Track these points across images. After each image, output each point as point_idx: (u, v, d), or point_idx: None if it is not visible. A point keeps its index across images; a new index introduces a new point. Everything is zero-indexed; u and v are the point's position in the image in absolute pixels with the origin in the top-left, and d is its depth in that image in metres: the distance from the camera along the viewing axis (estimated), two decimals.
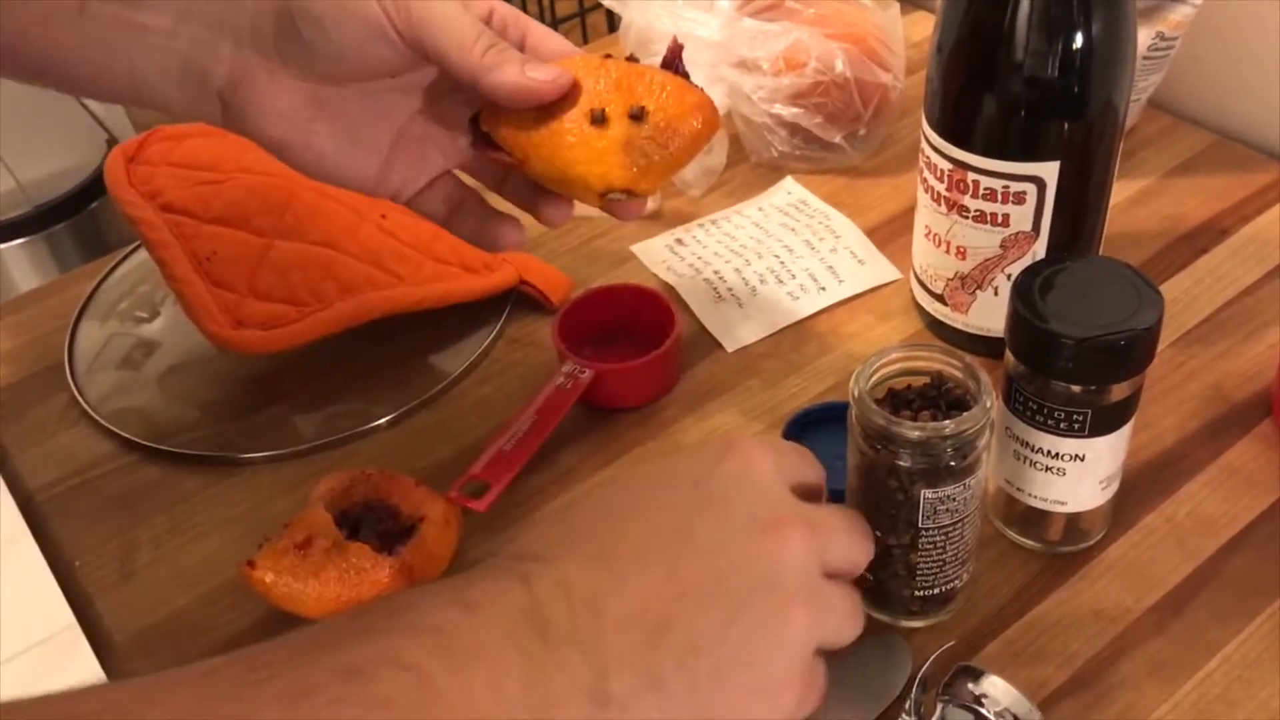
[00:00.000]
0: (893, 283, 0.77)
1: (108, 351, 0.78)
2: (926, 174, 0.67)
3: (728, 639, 0.42)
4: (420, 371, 0.74)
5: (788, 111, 0.83)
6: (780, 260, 0.79)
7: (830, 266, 0.78)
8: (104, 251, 0.85)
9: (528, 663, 0.39)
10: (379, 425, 0.70)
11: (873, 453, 0.52)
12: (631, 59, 0.55)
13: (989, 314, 0.68)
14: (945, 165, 0.65)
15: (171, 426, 0.71)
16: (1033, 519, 0.60)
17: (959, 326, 0.70)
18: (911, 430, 0.51)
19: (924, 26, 0.99)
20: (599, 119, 0.52)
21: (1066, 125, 0.62)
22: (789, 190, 0.85)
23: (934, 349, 0.55)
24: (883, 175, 0.86)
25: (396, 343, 0.75)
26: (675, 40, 0.56)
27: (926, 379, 0.55)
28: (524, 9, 1.60)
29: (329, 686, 0.37)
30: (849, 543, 0.47)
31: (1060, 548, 0.61)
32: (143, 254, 0.84)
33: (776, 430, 0.67)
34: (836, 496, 0.63)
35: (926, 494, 0.52)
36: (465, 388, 0.73)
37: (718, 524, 0.44)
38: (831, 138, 0.84)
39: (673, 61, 0.55)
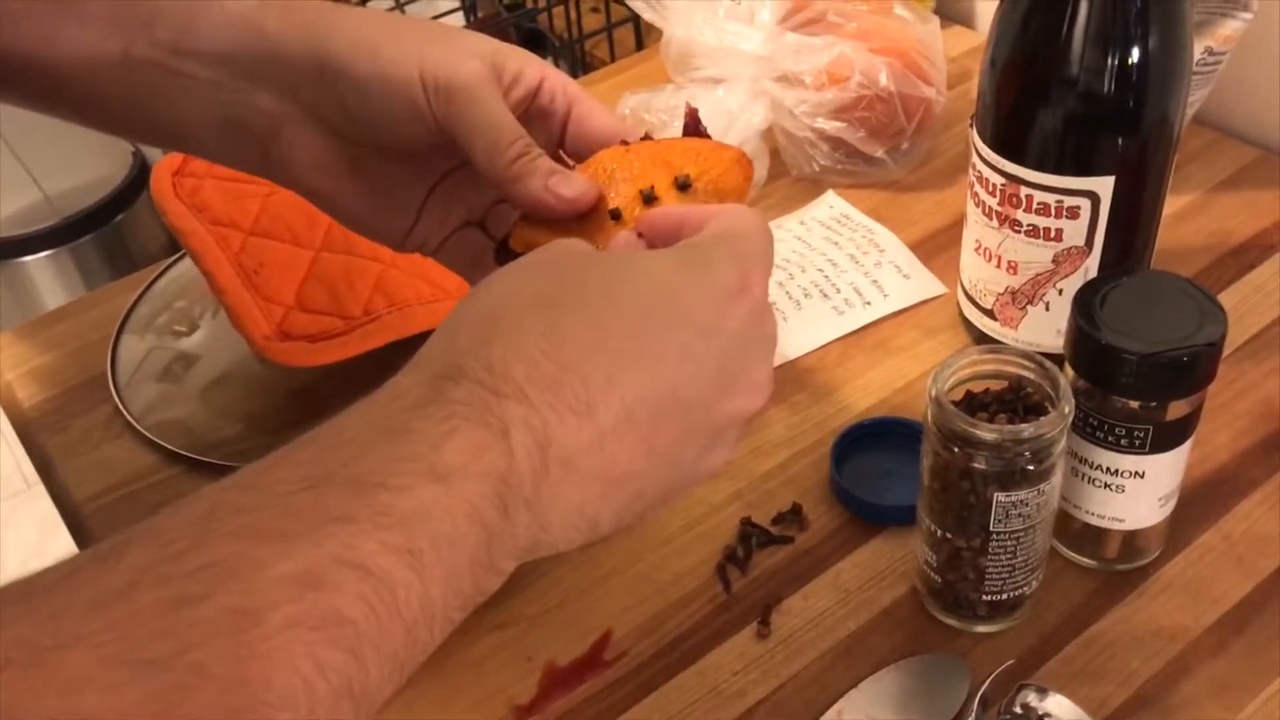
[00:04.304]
0: (938, 297, 0.76)
1: (148, 364, 0.78)
2: (978, 188, 0.66)
3: (672, 482, 0.44)
4: None
5: (830, 126, 0.82)
6: (824, 274, 0.78)
7: (875, 280, 0.77)
8: (129, 264, 0.84)
9: (480, 546, 0.38)
10: None
11: (948, 454, 0.52)
12: (646, 137, 0.54)
13: (1039, 329, 0.68)
14: (998, 179, 0.64)
15: (214, 439, 0.71)
16: (1089, 536, 0.59)
17: (1009, 342, 0.69)
18: (988, 432, 0.50)
19: (961, 41, 0.99)
20: (649, 198, 0.50)
21: (1121, 140, 0.62)
22: (831, 204, 0.84)
23: (1013, 352, 0.54)
24: (925, 189, 0.85)
25: None
26: (689, 106, 0.56)
27: (1004, 383, 0.54)
28: (550, 26, 1.58)
29: (281, 605, 0.33)
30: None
31: (1117, 565, 0.60)
32: (178, 269, 0.84)
33: (826, 446, 0.66)
34: (886, 513, 0.63)
35: (1000, 497, 0.52)
36: None
37: (706, 385, 0.44)
38: (874, 152, 0.84)
39: (694, 127, 0.55)
